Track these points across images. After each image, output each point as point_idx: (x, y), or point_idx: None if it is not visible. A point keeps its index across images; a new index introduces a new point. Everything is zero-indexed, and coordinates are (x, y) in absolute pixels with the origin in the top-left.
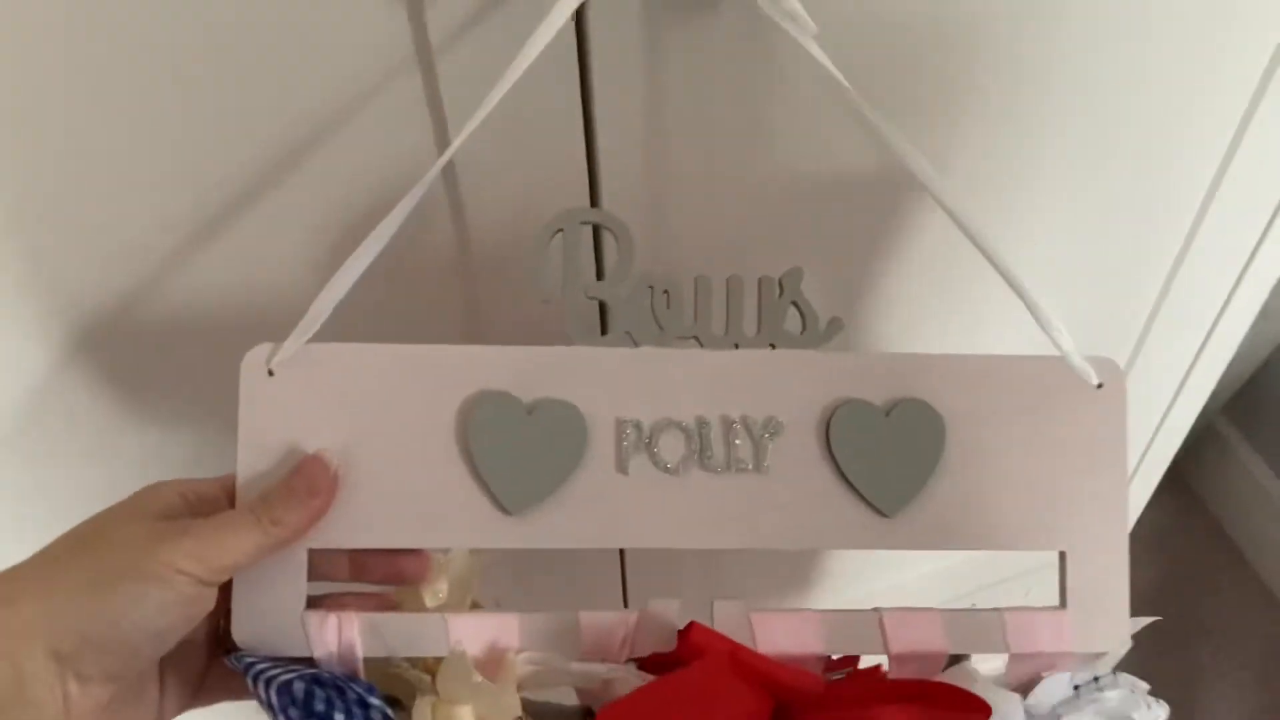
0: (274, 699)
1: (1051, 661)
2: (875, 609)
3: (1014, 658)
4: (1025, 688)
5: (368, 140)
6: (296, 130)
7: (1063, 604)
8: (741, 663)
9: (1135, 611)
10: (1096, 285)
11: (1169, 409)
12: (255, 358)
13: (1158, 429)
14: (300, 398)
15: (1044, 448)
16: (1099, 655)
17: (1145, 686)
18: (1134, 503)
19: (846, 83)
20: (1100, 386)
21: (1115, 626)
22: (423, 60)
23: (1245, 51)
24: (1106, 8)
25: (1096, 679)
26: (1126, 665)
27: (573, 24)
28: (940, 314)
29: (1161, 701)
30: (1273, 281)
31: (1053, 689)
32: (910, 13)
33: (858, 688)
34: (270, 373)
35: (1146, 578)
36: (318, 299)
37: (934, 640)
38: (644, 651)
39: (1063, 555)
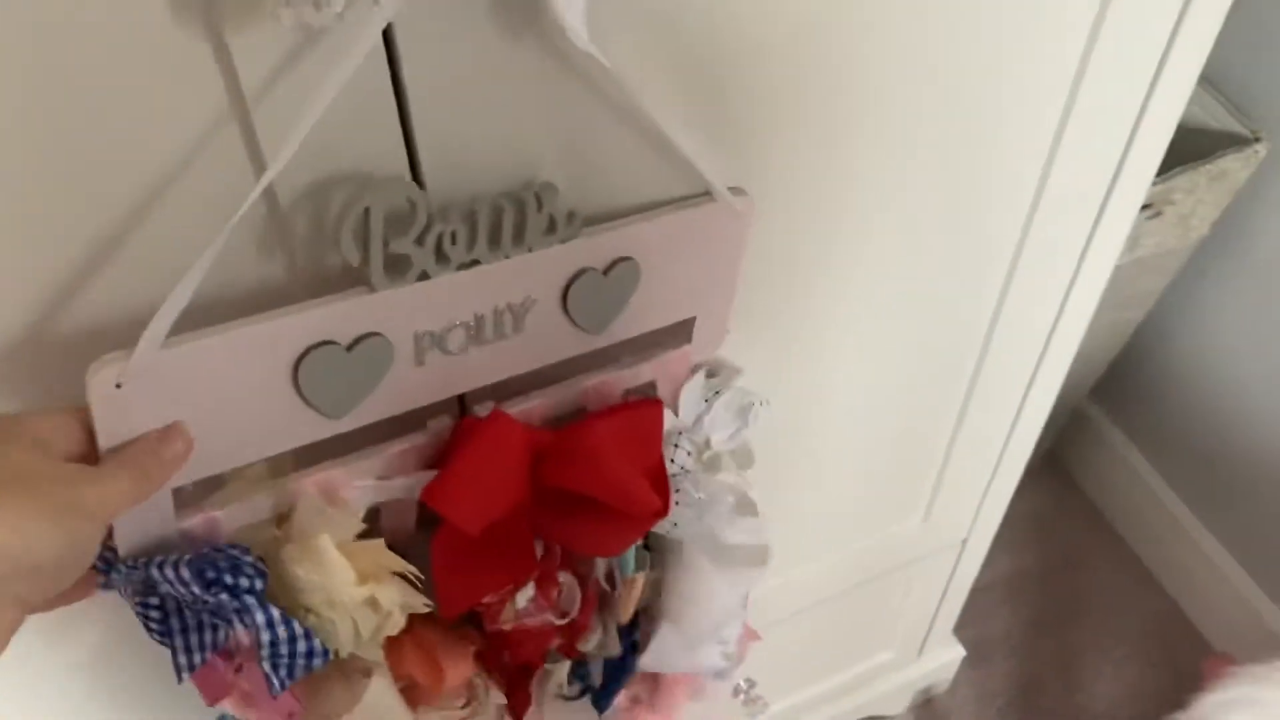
0: (181, 574)
1: (684, 377)
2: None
3: (661, 382)
4: (673, 402)
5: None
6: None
7: (689, 340)
8: (509, 426)
9: (1018, 593)
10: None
11: (1027, 390)
12: (102, 376)
13: (1018, 412)
14: (151, 395)
15: (697, 257)
16: (712, 368)
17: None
18: (1006, 487)
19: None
20: (740, 213)
21: (719, 340)
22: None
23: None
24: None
25: (717, 393)
26: (1012, 644)
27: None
28: None
29: (767, 400)
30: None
31: (690, 397)
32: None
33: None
34: (118, 385)
35: (1026, 561)
36: (153, 320)
37: (618, 393)
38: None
39: (694, 319)
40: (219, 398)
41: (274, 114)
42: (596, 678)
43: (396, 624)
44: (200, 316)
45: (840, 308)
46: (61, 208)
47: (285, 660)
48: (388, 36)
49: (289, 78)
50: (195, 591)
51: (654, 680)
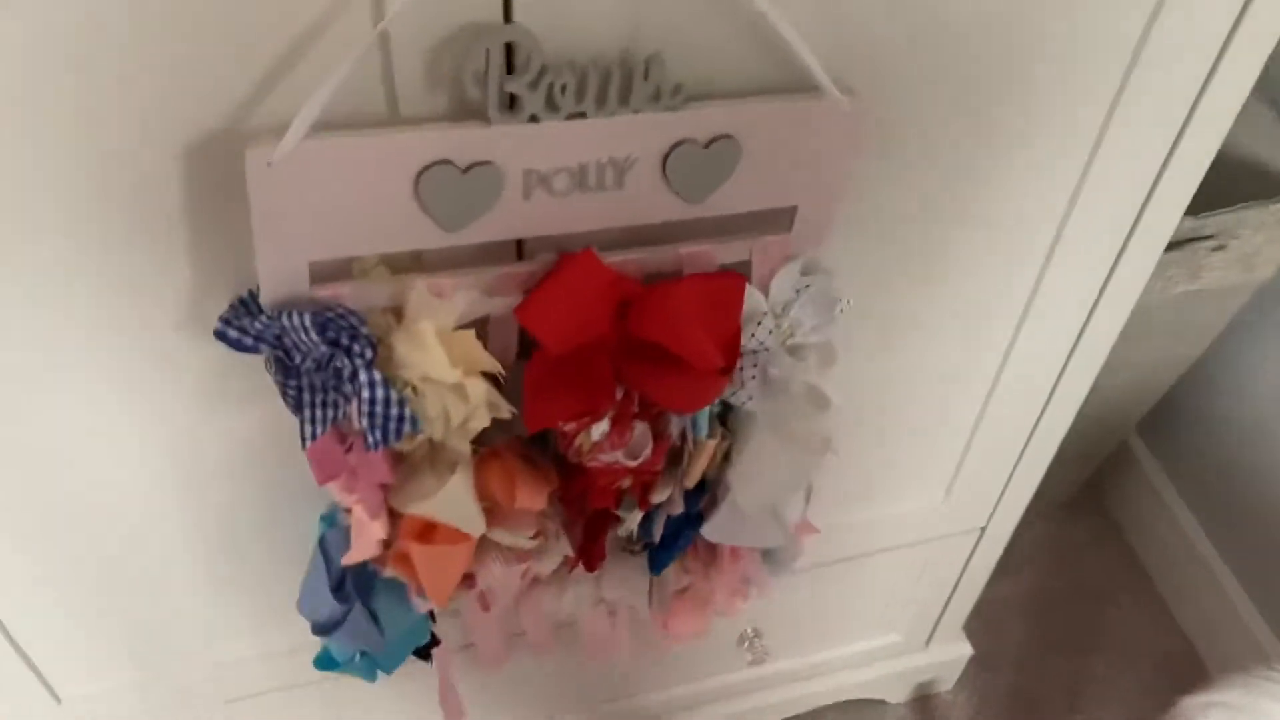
0: (305, 323)
1: (779, 263)
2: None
3: (756, 264)
4: (765, 285)
5: None
6: None
7: (790, 229)
8: (596, 263)
9: (1037, 612)
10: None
11: (1054, 386)
12: (258, 154)
13: (1044, 407)
14: (295, 178)
15: (801, 148)
16: (808, 265)
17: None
18: (1027, 482)
19: None
20: (849, 111)
21: (819, 238)
22: None
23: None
24: None
25: (809, 286)
26: (1022, 658)
27: None
28: None
29: (849, 299)
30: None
31: (782, 283)
32: None
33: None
34: (269, 164)
35: (1051, 583)
36: (298, 116)
37: (714, 264)
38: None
39: (795, 208)
40: (350, 192)
41: None
42: (658, 534)
43: (481, 419)
44: None
45: (923, 257)
46: (240, 37)
47: (381, 420)
48: None
49: None
50: (314, 339)
51: (711, 555)
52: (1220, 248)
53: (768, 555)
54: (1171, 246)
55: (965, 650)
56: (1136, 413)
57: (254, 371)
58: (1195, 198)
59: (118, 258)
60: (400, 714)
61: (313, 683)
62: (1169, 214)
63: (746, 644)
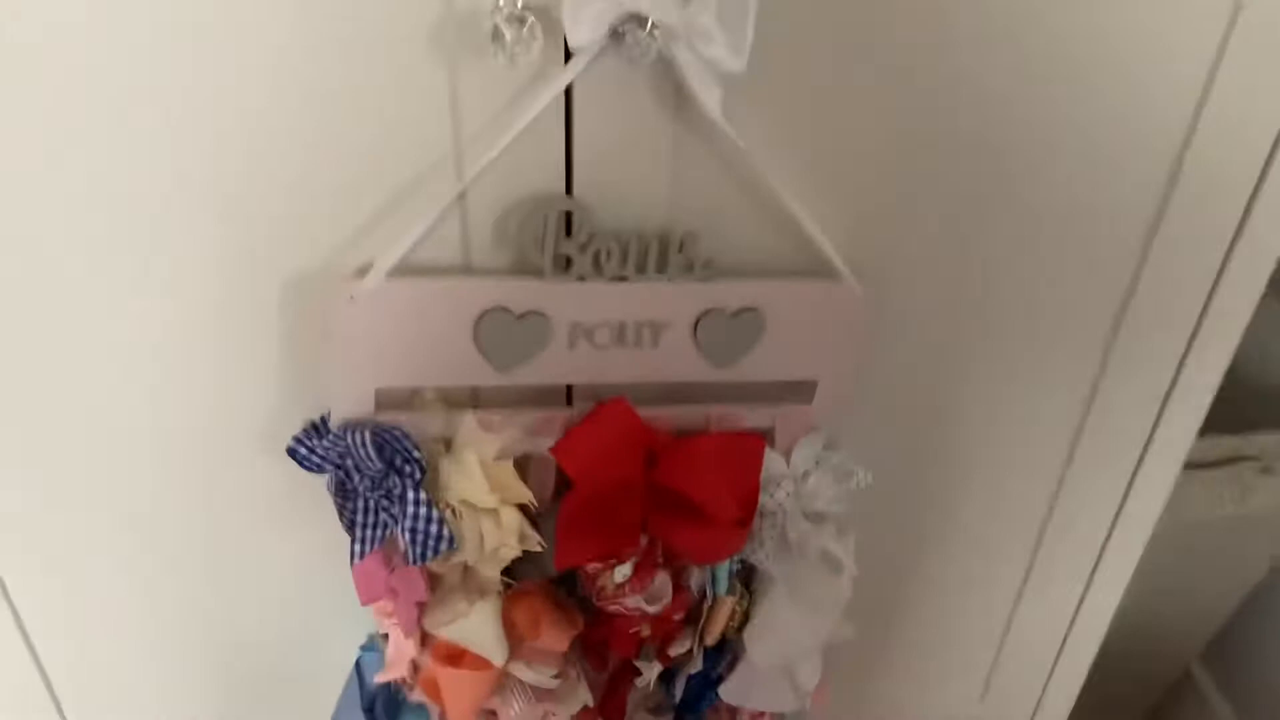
0: (365, 439)
1: (801, 432)
2: (706, 410)
3: (780, 432)
4: (787, 452)
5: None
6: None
7: (812, 402)
8: (629, 411)
9: None
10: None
11: (1091, 573)
12: (341, 289)
13: (1080, 600)
14: (371, 314)
15: (819, 324)
16: (831, 440)
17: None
18: (1069, 683)
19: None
20: (862, 297)
21: (835, 409)
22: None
23: None
24: None
25: (828, 457)
26: None
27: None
28: None
29: (868, 472)
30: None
31: (803, 451)
32: None
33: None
34: (351, 298)
35: None
36: (379, 259)
37: (740, 424)
38: None
39: (816, 381)
40: (418, 328)
41: (476, 138)
42: (679, 693)
43: (512, 548)
44: None
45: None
46: (344, 192)
47: (422, 537)
48: (568, 93)
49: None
50: (372, 457)
51: (730, 716)
52: (1266, 470)
53: None
54: (1216, 464)
55: None
56: (1198, 641)
57: (317, 494)
58: (1236, 419)
59: (215, 377)
60: None
61: None
62: (1187, 423)
63: None
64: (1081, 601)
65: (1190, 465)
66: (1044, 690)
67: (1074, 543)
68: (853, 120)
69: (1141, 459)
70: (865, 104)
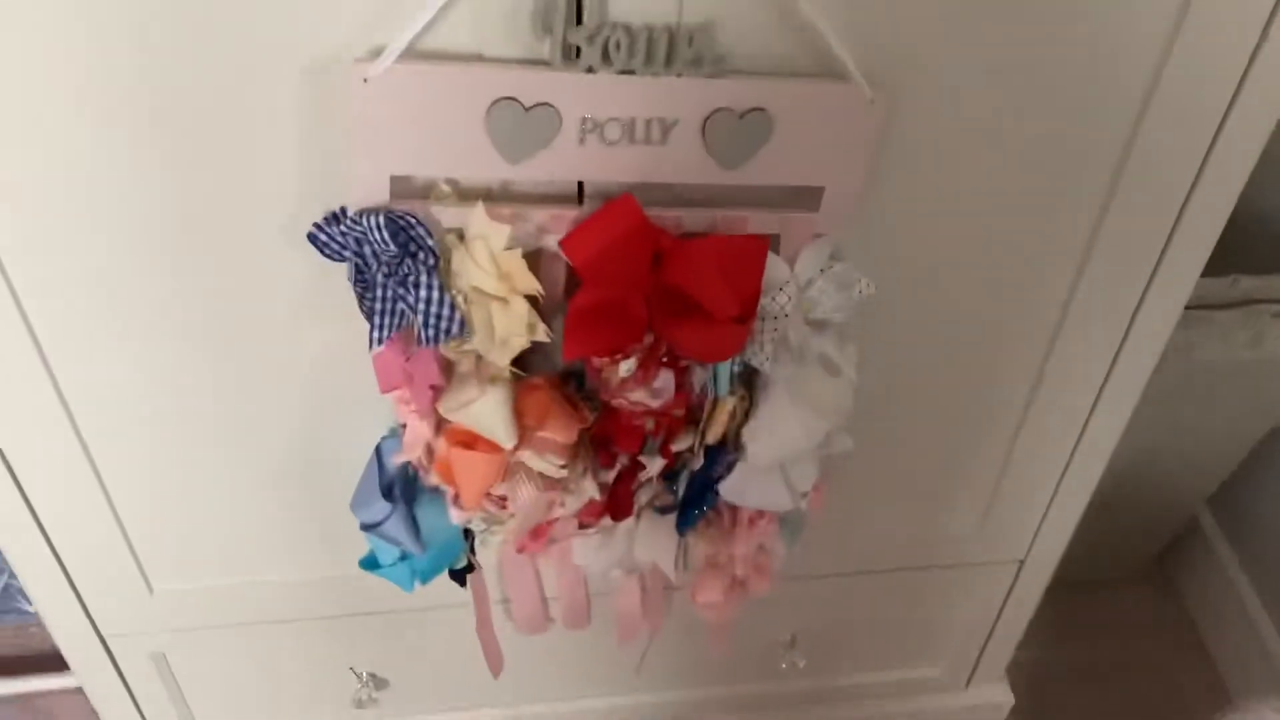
0: (380, 222)
1: (805, 239)
2: (712, 213)
3: (785, 238)
4: (792, 259)
5: None
6: None
7: (818, 210)
8: (636, 209)
9: (1088, 679)
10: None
11: (1094, 405)
12: (356, 69)
13: (1082, 429)
14: (384, 97)
15: (828, 130)
16: (836, 250)
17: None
18: (1067, 517)
19: None
20: (872, 101)
21: (840, 218)
22: None
23: None
24: None
25: (832, 266)
26: None
27: None
28: None
29: (870, 281)
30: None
31: (808, 257)
32: None
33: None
34: (365, 80)
35: (1106, 652)
36: (392, 44)
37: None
38: None
39: (823, 189)
40: (430, 115)
41: None
42: (682, 489)
43: (521, 337)
44: None
45: (948, 247)
46: None
47: (434, 321)
48: None
49: None
50: (387, 241)
51: (732, 523)
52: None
53: (783, 524)
54: (1231, 305)
55: (1007, 699)
56: (1206, 486)
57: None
58: (1258, 262)
59: (237, 163)
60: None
61: (360, 615)
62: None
63: (782, 651)
64: (1082, 433)
65: (1205, 305)
66: (1041, 521)
67: (1076, 373)
68: None
69: (1147, 289)
70: None
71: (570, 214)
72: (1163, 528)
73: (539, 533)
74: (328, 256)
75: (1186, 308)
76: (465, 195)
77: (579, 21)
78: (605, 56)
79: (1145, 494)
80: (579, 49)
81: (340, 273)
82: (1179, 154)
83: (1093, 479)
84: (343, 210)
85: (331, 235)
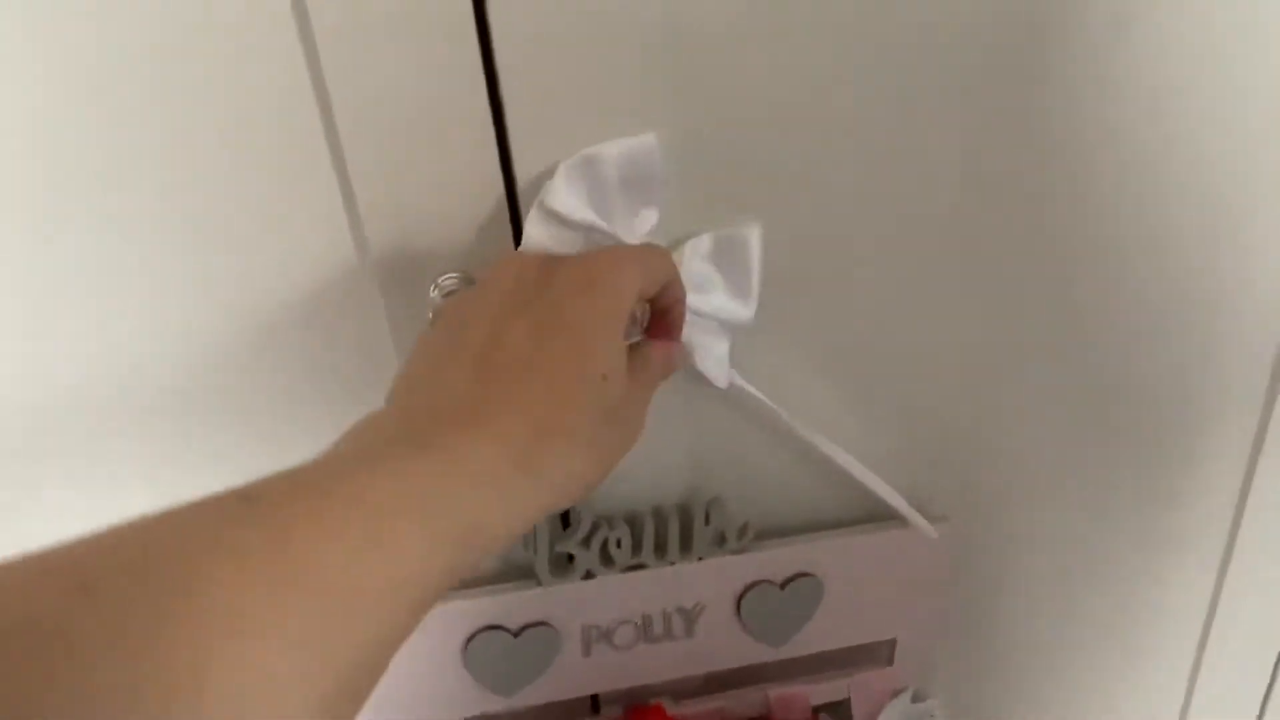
0: None
1: (883, 699)
2: (764, 692)
3: (855, 700)
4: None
5: None
6: None
7: (891, 663)
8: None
9: None
10: None
11: None
12: None
13: None
14: None
15: (891, 579)
16: (919, 694)
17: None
18: None
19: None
20: (937, 537)
21: (919, 667)
22: None
23: None
24: None
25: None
26: None
27: None
28: None
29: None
30: None
31: (891, 716)
32: None
33: None
34: None
35: None
36: None
37: (807, 706)
38: None
39: (894, 640)
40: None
41: None
42: None
43: None
44: None
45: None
46: None
47: None
48: None
49: None
50: None
51: None
52: None
53: None
54: None
55: None
56: None
57: None
58: None
59: None
60: None
61: None
62: None
63: None
64: None
65: None
66: None
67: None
68: (893, 337)
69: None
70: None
71: None
72: None
73: None
74: None
75: None
76: None
77: (565, 525)
78: (605, 557)
79: None
80: (571, 555)
81: None
82: None
83: None
84: None
85: None
